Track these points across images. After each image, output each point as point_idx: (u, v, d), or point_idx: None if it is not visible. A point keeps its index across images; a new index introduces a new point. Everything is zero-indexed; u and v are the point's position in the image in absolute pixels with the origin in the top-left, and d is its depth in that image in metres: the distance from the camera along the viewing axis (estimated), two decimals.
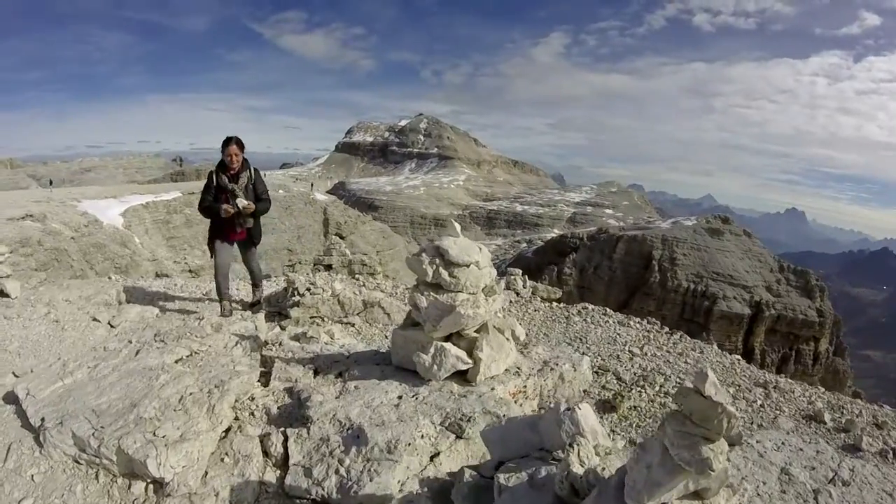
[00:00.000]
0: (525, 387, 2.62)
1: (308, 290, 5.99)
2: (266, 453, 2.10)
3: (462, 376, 2.50)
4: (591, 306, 6.64)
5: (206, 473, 1.91)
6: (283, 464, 2.04)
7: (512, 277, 7.39)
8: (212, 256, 4.85)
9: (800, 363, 43.40)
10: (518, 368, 2.74)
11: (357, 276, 10.22)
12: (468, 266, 2.41)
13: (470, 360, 2.44)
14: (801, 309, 44.46)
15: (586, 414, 1.21)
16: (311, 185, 45.25)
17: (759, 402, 3.97)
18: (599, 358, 4.76)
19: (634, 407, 3.76)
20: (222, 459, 2.01)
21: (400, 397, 2.35)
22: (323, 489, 1.86)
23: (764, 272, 48.11)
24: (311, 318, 5.78)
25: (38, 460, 1.92)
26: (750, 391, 4.17)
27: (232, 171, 4.38)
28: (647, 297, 47.35)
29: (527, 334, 4.43)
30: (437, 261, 2.43)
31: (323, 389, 2.45)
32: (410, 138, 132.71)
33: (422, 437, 1.96)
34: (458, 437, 2.02)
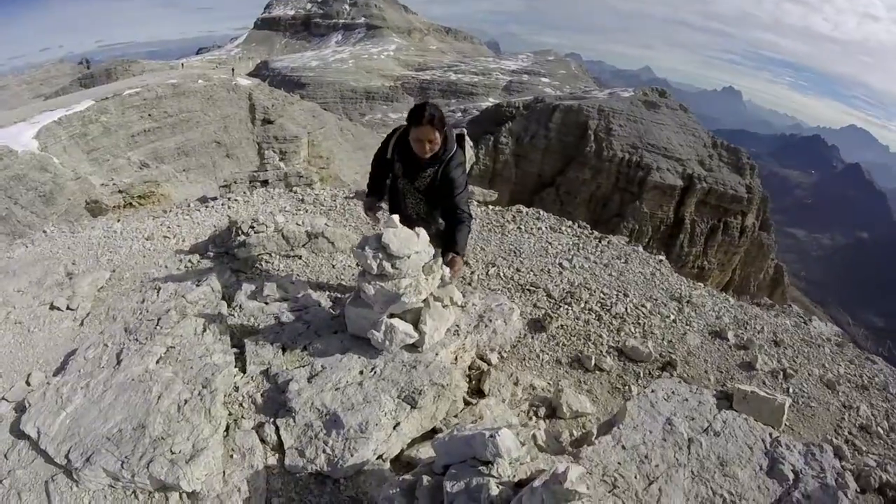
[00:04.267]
0: (464, 344, 3.15)
1: (252, 227, 6.07)
2: (263, 441, 2.60)
3: (412, 345, 2.97)
4: (525, 209, 7.07)
5: (224, 473, 2.40)
6: (279, 448, 2.57)
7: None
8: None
9: (727, 234, 47.10)
10: (457, 327, 3.25)
11: (294, 188, 10.10)
12: (409, 257, 2.69)
13: (415, 334, 2.89)
14: (732, 184, 47.16)
15: (504, 438, 1.69)
16: (232, 70, 40.33)
17: (672, 318, 4.54)
18: (532, 273, 5.26)
19: (562, 326, 4.28)
20: (231, 457, 2.50)
21: (361, 372, 2.85)
22: (315, 465, 2.42)
23: (697, 147, 50.15)
24: (259, 255, 5.97)
25: (79, 493, 2.35)
26: (665, 305, 4.75)
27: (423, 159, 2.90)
28: (581, 167, 49.23)
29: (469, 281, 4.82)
30: (381, 254, 2.71)
31: (295, 372, 2.88)
32: (335, 8, 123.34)
33: (385, 414, 2.50)
34: (413, 407, 2.57)
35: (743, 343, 4.25)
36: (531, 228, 6.43)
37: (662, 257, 6.06)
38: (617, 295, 4.87)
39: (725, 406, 2.45)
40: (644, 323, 4.45)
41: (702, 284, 5.64)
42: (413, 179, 3.07)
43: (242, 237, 5.92)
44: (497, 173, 52.30)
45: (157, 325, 3.51)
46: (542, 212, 6.99)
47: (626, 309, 4.62)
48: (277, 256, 5.88)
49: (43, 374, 3.33)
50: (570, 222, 6.72)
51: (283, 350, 3.22)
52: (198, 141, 32.50)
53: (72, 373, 3.06)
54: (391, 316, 2.94)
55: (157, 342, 3.25)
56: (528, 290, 4.88)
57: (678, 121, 52.29)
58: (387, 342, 2.88)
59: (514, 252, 5.73)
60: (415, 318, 2.99)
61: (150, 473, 2.27)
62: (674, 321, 4.51)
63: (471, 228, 3.17)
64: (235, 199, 9.36)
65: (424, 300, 2.92)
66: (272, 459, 2.54)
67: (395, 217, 2.76)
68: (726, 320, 4.64)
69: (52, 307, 4.24)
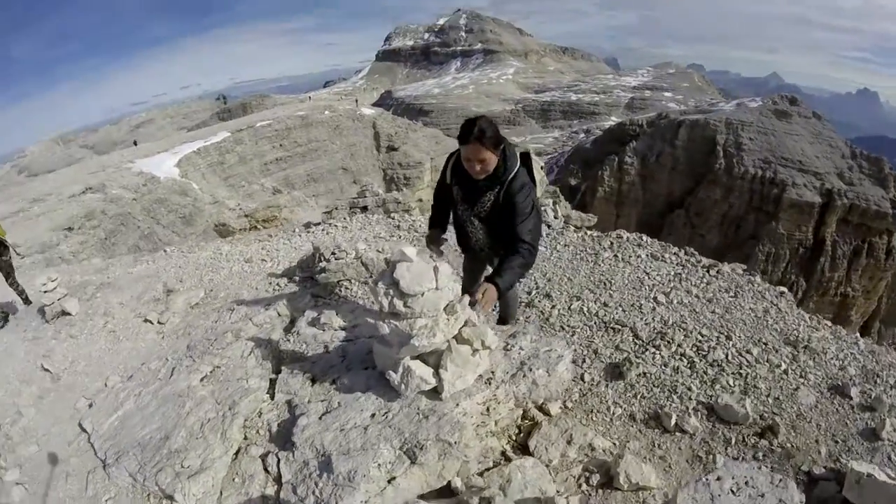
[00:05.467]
0: (495, 395, 3.09)
1: (333, 254, 6.69)
2: (266, 470, 2.85)
3: (434, 390, 3.01)
4: (626, 235, 6.79)
5: (222, 493, 2.69)
6: (279, 480, 2.78)
7: (542, 209, 7.62)
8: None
9: (872, 256, 44.43)
10: (492, 374, 3.20)
11: (392, 214, 10.87)
12: (422, 294, 2.79)
13: (433, 381, 2.93)
14: (875, 199, 45.17)
15: None
16: (356, 100, 45.90)
17: (783, 368, 3.96)
18: (620, 309, 5.02)
19: (644, 373, 3.96)
20: (233, 480, 2.80)
21: (373, 415, 2.95)
22: (313, 497, 2.57)
23: (835, 158, 48.64)
24: (338, 280, 6.54)
25: (108, 487, 2.83)
26: (776, 351, 4.16)
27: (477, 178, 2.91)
28: (712, 185, 49.72)
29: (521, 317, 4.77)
30: (392, 291, 2.84)
31: (311, 407, 3.11)
32: (452, 36, 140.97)
33: (378, 466, 2.56)
34: (413, 462, 2.59)
35: (869, 403, 3.57)
36: (629, 256, 6.18)
37: (784, 290, 5.31)
38: (717, 337, 4.41)
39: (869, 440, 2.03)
40: (747, 374, 3.94)
41: (828, 324, 4.81)
42: (473, 205, 3.06)
43: (324, 263, 6.63)
44: (623, 196, 53.51)
45: (212, 344, 4.09)
46: (644, 238, 6.64)
47: (727, 355, 4.15)
48: (356, 283, 6.46)
49: (118, 378, 4.09)
50: (675, 249, 6.31)
51: (313, 381, 3.50)
52: (326, 168, 37.17)
53: (134, 381, 3.72)
54: (414, 357, 3.03)
55: (206, 361, 3.79)
56: (612, 328, 4.65)
57: (812, 130, 51.47)
58: (402, 386, 2.96)
59: (605, 284, 5.55)
60: (437, 362, 3.03)
61: (156, 481, 2.65)
62: (784, 372, 3.95)
63: (528, 263, 3.00)
64: (335, 225, 10.47)
65: (437, 350, 2.96)
66: (270, 490, 2.77)
67: (410, 249, 2.85)
68: (852, 371, 3.94)
69: (145, 320, 5.19)
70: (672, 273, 5.76)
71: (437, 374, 2.98)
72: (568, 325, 4.83)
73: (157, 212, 19.76)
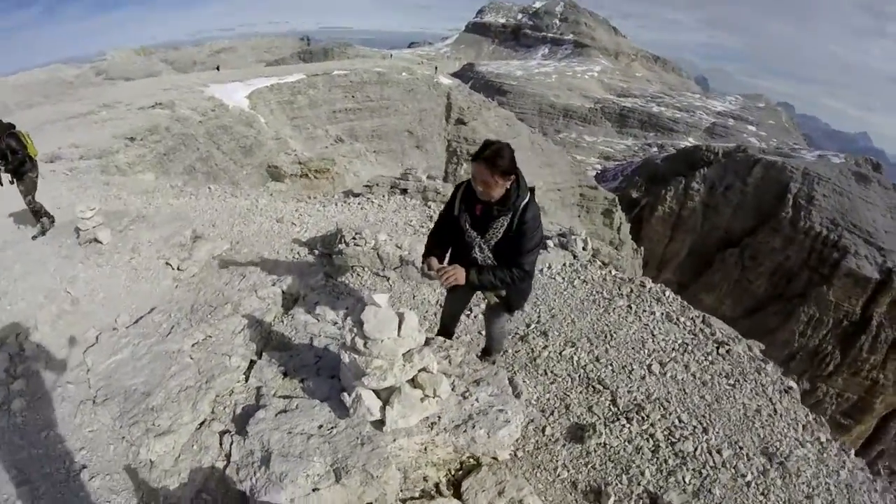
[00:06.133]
0: (433, 440, 3.53)
1: (353, 238, 7.22)
2: (220, 446, 3.43)
3: (380, 420, 3.48)
4: (649, 286, 6.82)
5: (179, 457, 3.28)
6: (228, 458, 3.35)
7: (573, 238, 7.86)
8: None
9: None
10: (438, 418, 3.63)
11: (429, 203, 11.34)
12: (381, 341, 3.23)
13: (378, 414, 3.40)
14: None
15: None
16: (436, 67, 46.37)
17: (748, 479, 3.99)
18: (609, 367, 5.15)
19: (604, 444, 4.14)
20: (192, 447, 3.40)
21: (320, 426, 3.46)
22: (241, 487, 3.13)
23: None
24: (353, 266, 7.09)
25: (93, 421, 3.50)
26: (749, 459, 4.16)
27: (486, 202, 3.12)
28: (773, 233, 50.15)
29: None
30: (356, 329, 3.30)
31: (274, 402, 3.65)
32: (545, 21, 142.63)
33: (306, 476, 3.07)
34: (337, 481, 3.09)
35: None
36: (642, 310, 6.21)
37: (792, 385, 5.27)
38: (694, 427, 4.47)
39: None
40: (707, 475, 4.00)
41: (822, 439, 4.70)
42: (484, 232, 3.21)
43: (342, 245, 7.18)
44: (681, 220, 54.40)
45: (211, 312, 4.71)
46: (667, 293, 6.68)
47: (696, 449, 4.21)
48: (369, 272, 6.98)
49: (128, 317, 4.79)
50: (694, 314, 6.27)
51: (285, 375, 4.05)
52: (392, 127, 38.14)
53: (138, 328, 4.39)
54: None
55: (200, 329, 4.42)
56: (593, 387, 4.81)
57: (889, 202, 51.26)
58: (352, 409, 3.45)
59: (606, 336, 5.66)
60: (387, 397, 3.49)
61: (129, 431, 3.27)
62: (747, 484, 3.96)
63: (512, 285, 3.27)
64: (371, 202, 11.02)
65: (393, 386, 3.40)
66: (220, 464, 3.36)
67: (381, 297, 3.28)
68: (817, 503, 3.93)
69: (167, 263, 5.90)
70: (679, 341, 5.73)
71: (383, 409, 3.45)
72: (552, 372, 5.02)
73: (220, 138, 21.06)
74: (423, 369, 3.51)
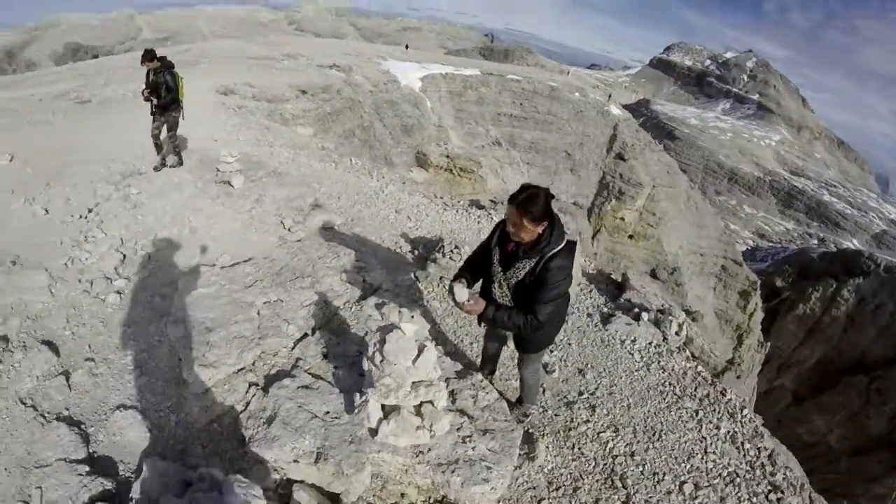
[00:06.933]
0: (415, 467, 3.93)
1: (451, 251, 7.78)
2: (246, 393, 4.20)
3: (375, 428, 3.98)
4: (729, 395, 6.06)
5: (211, 389, 4.12)
6: (247, 405, 4.12)
7: (670, 319, 7.44)
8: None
9: None
10: (427, 450, 4.02)
11: None
12: (395, 365, 3.71)
13: (375, 423, 3.90)
14: None
15: None
16: (609, 95, 45.58)
17: None
18: (640, 469, 4.86)
19: None
20: (224, 385, 4.21)
21: (327, 412, 4.07)
22: (245, 433, 3.86)
23: None
24: (440, 277, 7.68)
25: (163, 333, 4.50)
26: None
27: (517, 242, 3.33)
28: None
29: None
30: (379, 346, 3.80)
31: (302, 376, 4.34)
32: (733, 74, 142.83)
33: (292, 448, 3.68)
34: (315, 462, 3.66)
35: None
36: (708, 420, 5.63)
37: None
38: None
39: None
40: None
41: None
42: (506, 269, 3.41)
43: (439, 254, 7.78)
44: (820, 326, 49.29)
45: (293, 280, 5.56)
46: (745, 411, 5.75)
47: None
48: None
49: (228, 258, 5.83)
50: (764, 444, 5.46)
51: (324, 357, 4.73)
52: (551, 144, 38.55)
53: (231, 273, 5.38)
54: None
55: (276, 291, 5.27)
56: (611, 481, 4.65)
57: None
58: (357, 410, 4.00)
59: (654, 434, 5.24)
60: (389, 412, 3.98)
61: (181, 355, 4.17)
62: None
63: (523, 330, 3.44)
64: (491, 218, 11.51)
65: (398, 406, 3.86)
66: (239, 407, 4.14)
67: (409, 326, 3.73)
68: None
69: (281, 222, 6.98)
70: (730, 469, 5.10)
71: (381, 421, 3.94)
72: (579, 449, 4.90)
73: (385, 112, 23.19)
74: (429, 402, 3.93)
